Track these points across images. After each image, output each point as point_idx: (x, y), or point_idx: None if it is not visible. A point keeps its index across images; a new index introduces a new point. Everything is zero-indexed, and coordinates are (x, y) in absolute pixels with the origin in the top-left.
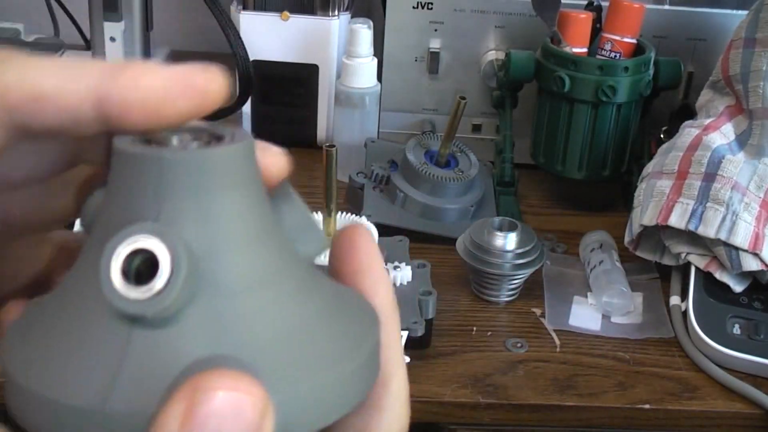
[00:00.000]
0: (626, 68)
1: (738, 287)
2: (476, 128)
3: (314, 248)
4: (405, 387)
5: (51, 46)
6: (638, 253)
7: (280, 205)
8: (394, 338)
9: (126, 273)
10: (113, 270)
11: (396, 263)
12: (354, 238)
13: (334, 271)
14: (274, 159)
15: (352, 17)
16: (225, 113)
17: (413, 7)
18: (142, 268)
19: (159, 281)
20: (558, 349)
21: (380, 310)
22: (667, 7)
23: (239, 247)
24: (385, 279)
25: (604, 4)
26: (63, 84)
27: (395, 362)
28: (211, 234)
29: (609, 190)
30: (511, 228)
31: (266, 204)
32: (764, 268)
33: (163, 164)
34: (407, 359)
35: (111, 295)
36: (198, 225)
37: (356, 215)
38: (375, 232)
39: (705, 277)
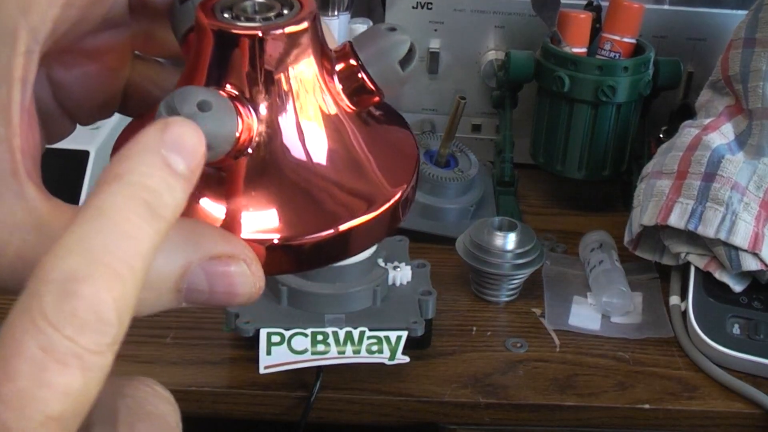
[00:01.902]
0: (626, 68)
1: (738, 287)
2: (476, 128)
3: None
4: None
5: None
6: (638, 253)
7: None
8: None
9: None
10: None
11: (396, 263)
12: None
13: None
14: None
15: (352, 17)
16: None
17: (413, 7)
18: None
19: None
20: (558, 349)
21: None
22: (667, 7)
23: None
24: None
25: (604, 4)
26: None
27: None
28: None
29: (609, 190)
30: (510, 228)
31: None
32: (764, 268)
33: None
34: (407, 359)
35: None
36: None
37: None
38: None
39: (704, 277)
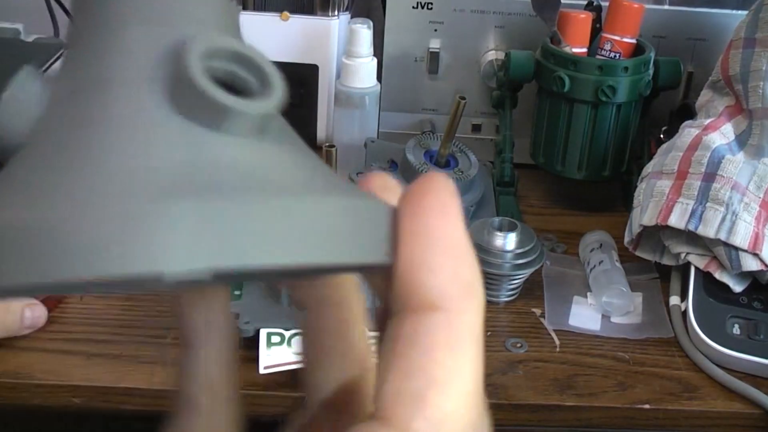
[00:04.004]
0: (626, 68)
1: (738, 287)
2: (476, 128)
3: None
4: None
5: (51, 46)
6: (638, 253)
7: None
8: (443, 334)
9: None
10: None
11: None
12: (420, 189)
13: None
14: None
15: (351, 17)
16: None
17: (413, 7)
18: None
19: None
20: (558, 349)
21: (437, 295)
22: (667, 7)
23: None
24: (452, 251)
25: (604, 4)
26: None
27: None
28: None
29: (609, 190)
30: (510, 228)
31: None
32: (764, 268)
33: None
34: None
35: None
36: None
37: None
38: None
39: (705, 277)
